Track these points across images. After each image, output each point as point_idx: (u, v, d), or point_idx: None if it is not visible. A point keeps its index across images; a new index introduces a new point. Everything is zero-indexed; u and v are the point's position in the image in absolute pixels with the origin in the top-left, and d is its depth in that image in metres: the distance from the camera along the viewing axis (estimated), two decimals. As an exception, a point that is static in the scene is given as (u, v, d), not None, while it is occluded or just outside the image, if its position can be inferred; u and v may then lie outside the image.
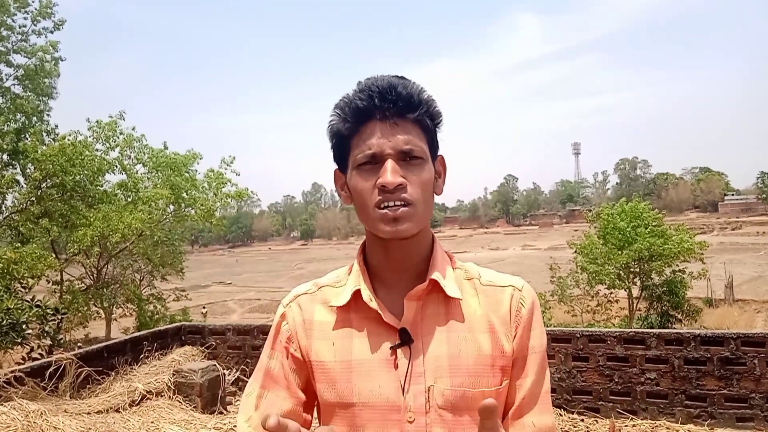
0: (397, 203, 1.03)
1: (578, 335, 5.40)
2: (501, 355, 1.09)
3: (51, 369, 5.15)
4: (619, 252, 20.25)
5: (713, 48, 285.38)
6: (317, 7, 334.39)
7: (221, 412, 5.58)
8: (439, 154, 1.16)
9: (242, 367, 6.45)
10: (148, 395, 5.41)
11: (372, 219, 1.06)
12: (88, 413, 4.86)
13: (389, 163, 1.04)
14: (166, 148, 17.13)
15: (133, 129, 16.55)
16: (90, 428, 4.42)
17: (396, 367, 1.07)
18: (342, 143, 1.11)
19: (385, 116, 1.06)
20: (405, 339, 1.07)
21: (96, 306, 18.08)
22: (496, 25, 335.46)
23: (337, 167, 1.17)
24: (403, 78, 1.10)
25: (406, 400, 1.05)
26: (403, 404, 1.05)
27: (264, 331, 6.51)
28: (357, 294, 1.12)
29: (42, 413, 4.37)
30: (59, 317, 8.55)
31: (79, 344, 13.97)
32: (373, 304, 1.09)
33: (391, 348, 1.08)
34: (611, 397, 5.25)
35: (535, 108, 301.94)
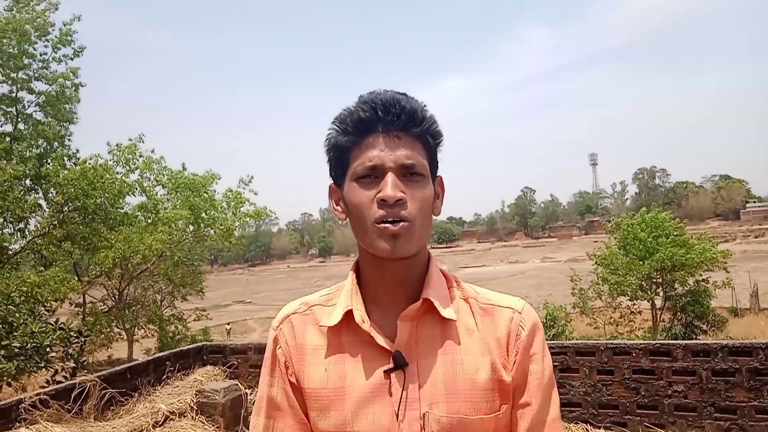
0: (396, 219, 1.00)
1: (602, 348, 5.33)
2: (498, 380, 1.05)
3: (75, 391, 5.18)
4: (641, 262, 19.98)
5: (729, 53, 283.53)
6: (330, 25, 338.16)
7: (244, 432, 5.57)
8: (438, 174, 1.13)
9: (264, 386, 6.43)
10: (171, 416, 5.42)
11: (369, 235, 1.02)
12: (113, 435, 4.88)
13: (390, 177, 1.01)
14: (184, 169, 17.35)
15: (152, 151, 16.82)
16: (114, 450, 4.43)
17: (390, 393, 1.03)
18: (341, 156, 1.08)
19: (388, 129, 1.04)
20: (399, 362, 1.03)
21: (118, 327, 18.23)
22: (505, 39, 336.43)
23: (332, 182, 1.14)
24: (405, 94, 1.07)
25: (401, 427, 1.01)
26: (397, 431, 1.01)
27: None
28: (349, 314, 1.07)
29: (67, 436, 4.39)
30: (82, 339, 8.62)
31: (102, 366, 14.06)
32: (366, 326, 1.06)
33: (384, 372, 1.04)
34: (638, 411, 5.15)
35: (550, 119, 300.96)
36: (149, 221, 16.42)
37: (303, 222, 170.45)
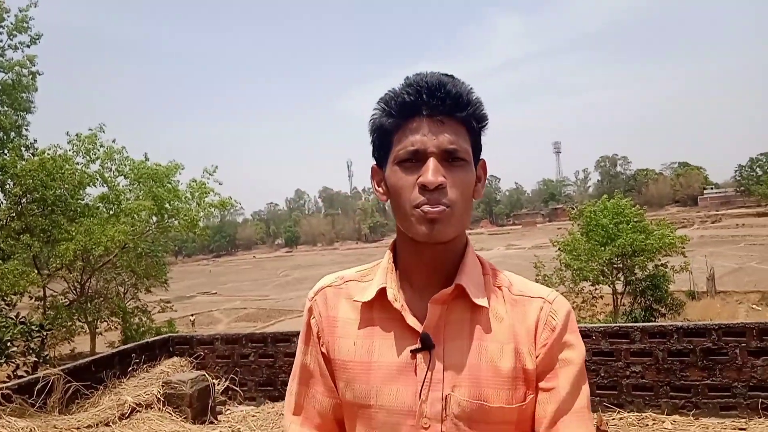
0: (436, 204, 1.00)
1: (564, 332, 5.46)
2: (523, 368, 1.06)
3: (39, 385, 5.12)
4: (602, 248, 20.43)
5: (690, 45, 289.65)
6: (297, 17, 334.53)
7: (212, 422, 5.58)
8: (481, 158, 1.13)
9: (231, 376, 6.44)
10: (137, 408, 5.39)
11: (408, 219, 1.03)
12: (78, 428, 4.84)
13: (431, 162, 1.01)
14: (147, 159, 17.02)
15: (113, 141, 16.45)
16: (80, 443, 4.40)
17: (415, 373, 1.06)
18: (384, 138, 1.08)
19: (432, 113, 1.03)
20: (426, 344, 1.05)
21: (80, 321, 17.90)
22: (475, 27, 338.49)
23: (374, 163, 1.14)
24: (452, 76, 1.07)
25: (422, 406, 1.04)
26: (418, 410, 1.04)
27: (252, 339, 6.52)
28: (382, 292, 1.10)
29: (31, 430, 4.35)
30: (44, 333, 8.47)
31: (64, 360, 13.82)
32: (397, 305, 1.08)
33: (411, 351, 1.06)
34: (598, 391, 5.32)
35: (515, 108, 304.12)
36: (111, 212, 16.10)
37: (269, 212, 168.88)
